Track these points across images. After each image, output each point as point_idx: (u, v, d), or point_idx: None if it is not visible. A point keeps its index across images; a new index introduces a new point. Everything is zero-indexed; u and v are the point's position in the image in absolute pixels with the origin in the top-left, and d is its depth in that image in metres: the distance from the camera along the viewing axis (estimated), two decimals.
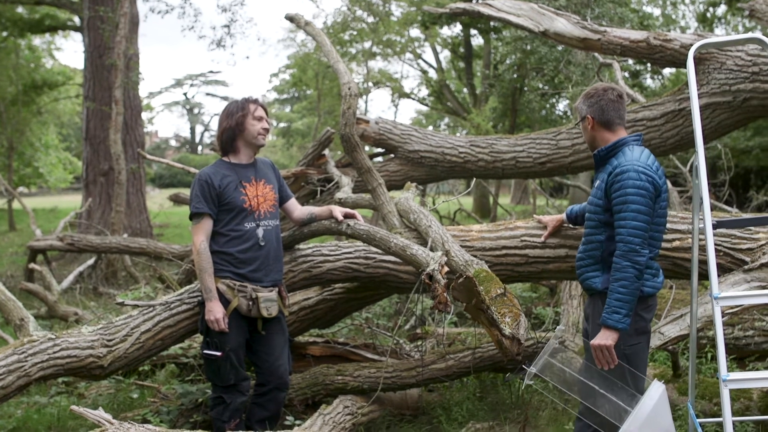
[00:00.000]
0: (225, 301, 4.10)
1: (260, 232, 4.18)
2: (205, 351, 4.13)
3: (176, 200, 9.42)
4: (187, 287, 4.53)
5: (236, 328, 4.13)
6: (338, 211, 4.47)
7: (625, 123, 3.57)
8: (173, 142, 65.95)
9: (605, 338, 3.27)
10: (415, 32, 25.56)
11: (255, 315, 4.16)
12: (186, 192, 10.33)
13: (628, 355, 3.40)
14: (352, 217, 4.47)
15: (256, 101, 4.28)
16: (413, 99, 29.39)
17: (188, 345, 5.50)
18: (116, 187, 11.94)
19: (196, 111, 64.77)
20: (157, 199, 22.27)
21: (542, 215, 4.68)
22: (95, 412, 3.52)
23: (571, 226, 4.39)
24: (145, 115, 34.89)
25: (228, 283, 4.11)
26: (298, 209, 4.59)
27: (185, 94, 62.70)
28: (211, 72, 60.09)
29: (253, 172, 4.28)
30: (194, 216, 4.14)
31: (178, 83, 60.50)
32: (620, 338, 3.33)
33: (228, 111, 4.24)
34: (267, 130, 4.28)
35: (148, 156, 9.71)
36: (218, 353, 4.07)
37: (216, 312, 4.03)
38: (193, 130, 65.96)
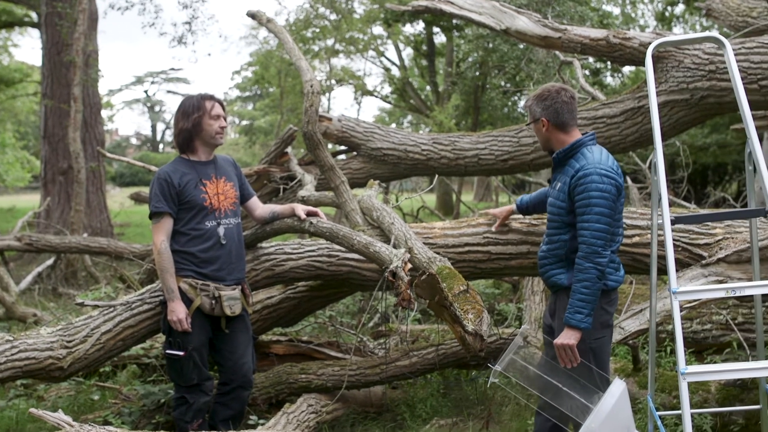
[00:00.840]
0: (187, 300, 4.04)
1: (221, 230, 4.13)
2: (168, 351, 4.07)
3: (137, 199, 9.31)
4: (149, 287, 4.48)
5: (199, 327, 4.08)
6: (300, 209, 4.43)
7: (577, 123, 3.61)
8: (134, 140, 65.16)
9: (568, 337, 3.32)
10: (377, 30, 25.54)
11: (218, 314, 4.11)
12: (147, 191, 10.24)
13: (594, 349, 3.46)
14: (314, 215, 4.44)
15: (212, 98, 4.19)
16: (376, 96, 29.36)
17: (150, 345, 5.44)
18: (75, 186, 11.75)
19: (157, 109, 64.04)
20: (117, 198, 22.01)
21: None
22: (55, 414, 3.46)
23: (521, 216, 4.44)
24: (105, 113, 34.52)
25: (190, 282, 4.06)
26: (259, 207, 4.54)
27: (146, 91, 61.97)
28: (173, 69, 59.36)
29: (213, 169, 4.21)
30: (154, 215, 4.07)
31: (139, 81, 59.75)
32: (587, 332, 3.38)
33: (184, 110, 4.15)
34: (224, 128, 4.21)
35: (108, 154, 9.61)
36: (181, 353, 4.02)
37: (178, 312, 3.97)
38: (154, 128, 65.25)
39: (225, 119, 4.21)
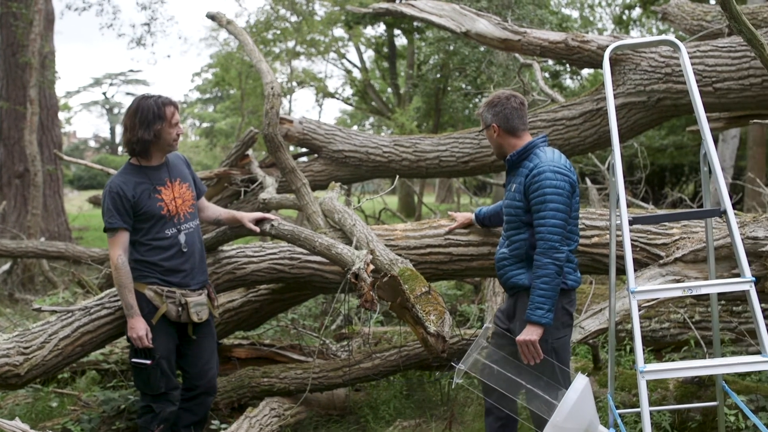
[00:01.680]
0: (153, 308, 3.95)
1: (182, 237, 4.03)
2: (134, 360, 3.97)
3: (96, 202, 9.18)
4: (108, 291, 4.41)
5: (165, 335, 4.00)
6: (247, 219, 4.36)
7: (528, 128, 3.68)
8: (92, 143, 64.22)
9: (530, 334, 3.36)
10: (338, 32, 25.52)
11: (185, 320, 4.04)
12: None
13: (557, 348, 3.50)
14: (262, 220, 4.37)
15: (171, 103, 3.99)
16: (337, 99, 29.34)
17: (109, 351, 5.37)
18: (32, 190, 11.55)
19: (116, 111, 63.15)
20: (75, 202, 21.69)
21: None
22: (12, 422, 3.40)
23: (478, 226, 4.50)
24: (62, 115, 34.04)
25: (155, 290, 3.97)
26: (208, 208, 4.45)
27: (104, 93, 61.11)
28: (132, 71, 58.67)
29: (167, 173, 4.07)
30: (108, 230, 3.93)
31: (97, 82, 58.94)
32: (548, 332, 3.43)
33: (143, 117, 3.91)
34: (180, 135, 4.04)
35: (66, 157, 9.42)
36: (148, 361, 3.93)
37: (138, 329, 3.88)
38: (113, 131, 64.30)
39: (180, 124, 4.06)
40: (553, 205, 3.37)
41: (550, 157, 3.47)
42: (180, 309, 4.00)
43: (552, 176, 3.39)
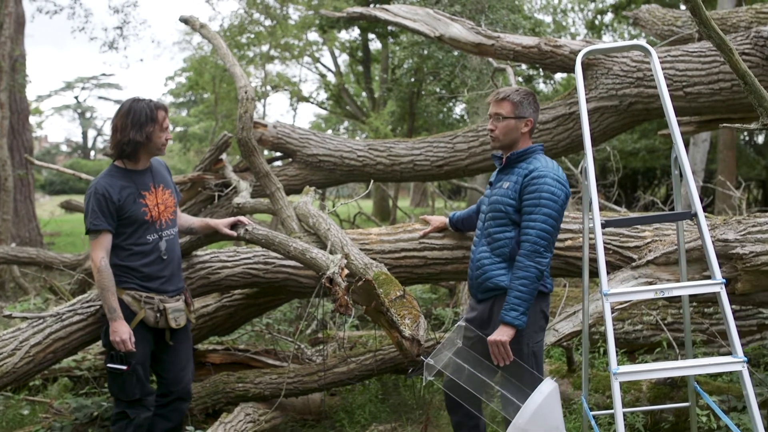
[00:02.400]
0: (131, 313, 3.91)
1: (163, 244, 4.00)
2: (110, 365, 3.91)
3: (68, 207, 9.08)
4: (80, 297, 4.37)
5: (142, 341, 3.95)
6: (222, 225, 4.38)
7: None
8: (64, 147, 63.59)
9: (502, 334, 3.35)
10: (313, 36, 25.47)
11: (162, 326, 4.01)
12: (78, 198, 9.98)
13: (536, 353, 3.51)
14: (237, 224, 4.39)
15: (164, 108, 3.99)
16: (312, 103, 29.25)
17: (82, 357, 5.32)
18: (2, 195, 11.42)
19: (88, 115, 62.62)
20: (47, 207, 21.43)
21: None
22: None
23: (451, 230, 4.50)
24: (33, 119, 33.60)
25: (134, 295, 3.93)
26: (180, 217, 4.40)
27: (76, 97, 60.57)
28: (104, 75, 58.17)
29: (151, 178, 4.04)
30: (91, 232, 3.87)
31: (69, 86, 58.39)
32: (528, 336, 3.43)
33: (136, 119, 3.88)
34: (168, 140, 4.04)
35: (37, 162, 9.31)
36: (123, 367, 3.88)
37: (121, 333, 3.81)
38: (85, 135, 63.78)
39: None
40: (547, 211, 3.36)
41: (551, 165, 3.48)
42: (158, 315, 3.97)
43: (552, 183, 3.39)
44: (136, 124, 3.88)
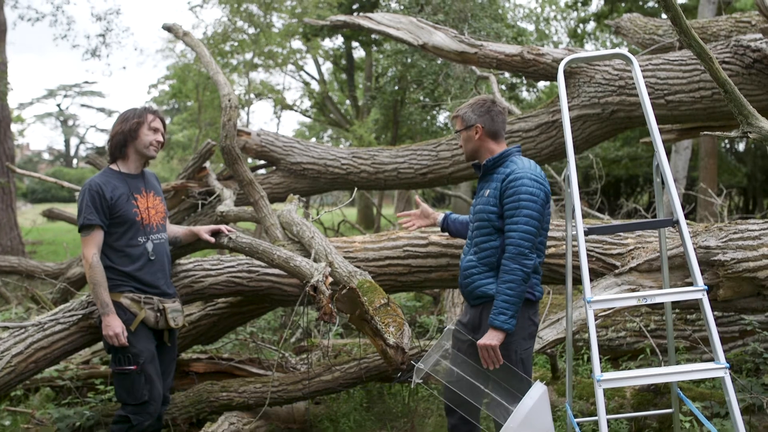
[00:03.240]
0: (131, 315, 3.92)
1: (149, 246, 4.03)
2: (117, 367, 3.91)
3: (50, 216, 9.02)
4: (62, 306, 4.34)
5: (146, 340, 3.97)
6: (204, 231, 4.40)
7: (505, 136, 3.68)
8: (46, 155, 63.20)
9: (491, 338, 3.35)
10: (296, 44, 25.48)
11: (162, 326, 4.02)
12: (60, 207, 9.93)
13: (524, 360, 3.51)
14: (218, 232, 4.40)
15: (155, 112, 4.13)
16: (296, 111, 29.29)
17: (64, 367, 5.28)
18: None
19: (70, 123, 62.27)
20: (29, 215, 21.27)
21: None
22: None
23: (440, 230, 4.33)
24: (15, 127, 33.31)
25: (132, 297, 3.94)
26: (168, 226, 4.43)
27: (59, 105, 60.22)
28: (87, 83, 57.95)
29: (143, 183, 4.13)
30: (84, 228, 3.91)
31: (51, 94, 58.06)
32: (517, 344, 3.44)
33: (124, 116, 4.08)
34: (161, 144, 4.11)
35: (18, 170, 9.26)
36: (131, 367, 3.88)
37: (114, 326, 3.83)
38: (67, 143, 63.42)
39: (163, 136, 4.13)
40: (527, 212, 3.35)
41: (527, 165, 3.47)
42: (158, 315, 4.00)
43: (529, 183, 3.38)
44: (124, 120, 4.07)
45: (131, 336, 3.90)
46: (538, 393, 3.24)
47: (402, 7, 14.63)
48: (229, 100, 5.05)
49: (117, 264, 3.95)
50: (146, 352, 3.95)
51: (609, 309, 4.50)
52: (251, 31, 22.58)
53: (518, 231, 3.35)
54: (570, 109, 5.96)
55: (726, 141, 21.23)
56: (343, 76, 27.95)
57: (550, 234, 4.53)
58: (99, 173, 4.11)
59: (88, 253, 3.89)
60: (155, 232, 4.09)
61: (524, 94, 21.70)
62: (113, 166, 4.10)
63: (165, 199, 4.39)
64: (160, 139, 4.11)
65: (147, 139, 4.06)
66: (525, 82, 19.93)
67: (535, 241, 3.38)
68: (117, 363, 3.93)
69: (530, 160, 3.56)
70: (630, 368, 5.31)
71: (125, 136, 4.04)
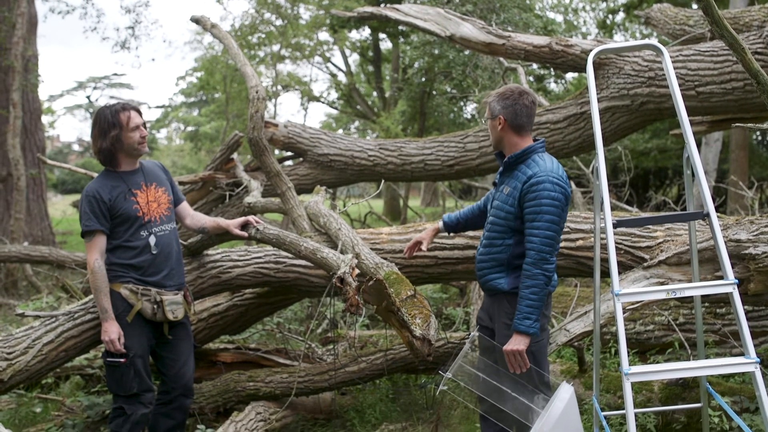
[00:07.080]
0: (128, 306, 3.96)
1: (152, 240, 4.04)
2: (108, 358, 3.96)
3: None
4: (92, 296, 4.39)
5: (140, 334, 4.00)
6: (233, 225, 4.41)
7: (532, 129, 3.63)
8: (76, 147, 63.73)
9: (518, 343, 3.34)
10: (323, 35, 25.48)
11: (160, 319, 4.04)
12: None
13: (535, 352, 3.49)
14: (247, 224, 4.41)
15: (126, 108, 4.06)
16: (323, 102, 29.27)
17: (94, 356, 5.35)
18: (15, 194, 11.50)
19: None
20: (59, 206, 21.55)
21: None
22: None
23: (448, 234, 4.29)
24: (45, 119, 33.72)
25: (131, 288, 3.98)
26: (189, 215, 4.45)
27: (88, 97, 60.63)
28: (116, 75, 58.19)
29: (142, 177, 4.12)
30: (86, 234, 3.97)
31: (81, 86, 58.49)
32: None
33: (100, 128, 4.01)
34: (145, 137, 4.08)
35: (49, 161, 9.36)
36: (121, 359, 3.93)
37: (111, 332, 3.89)
38: None
39: (145, 126, 4.09)
40: (549, 217, 3.32)
41: (549, 166, 3.41)
42: (155, 307, 4.01)
43: (551, 187, 3.34)
44: (102, 132, 4.02)
45: (124, 329, 3.95)
46: (567, 394, 3.23)
47: None
48: (257, 92, 5.07)
49: (121, 258, 3.99)
50: (138, 346, 3.99)
51: (637, 302, 4.46)
52: (278, 22, 22.62)
53: (540, 236, 3.33)
54: (599, 100, 5.91)
55: (757, 133, 20.92)
56: (370, 67, 27.90)
57: (577, 226, 4.51)
58: (96, 177, 4.12)
59: (90, 259, 3.94)
60: (158, 224, 4.09)
61: (552, 86, 21.54)
62: (109, 167, 4.10)
63: (191, 190, 4.40)
64: (144, 133, 4.07)
65: (132, 141, 4.03)
66: (553, 73, 19.79)
67: (556, 245, 3.37)
68: (108, 354, 3.97)
69: (552, 158, 3.50)
70: (658, 362, 5.26)
71: (111, 148, 4.01)
